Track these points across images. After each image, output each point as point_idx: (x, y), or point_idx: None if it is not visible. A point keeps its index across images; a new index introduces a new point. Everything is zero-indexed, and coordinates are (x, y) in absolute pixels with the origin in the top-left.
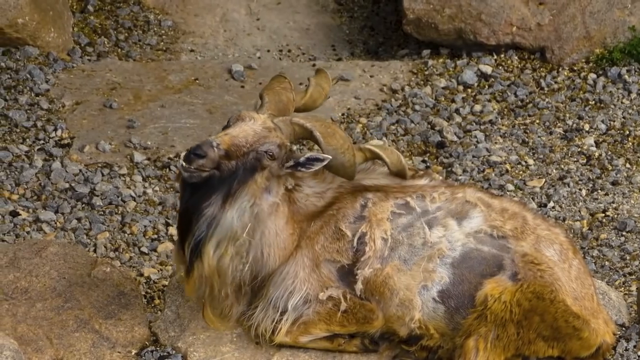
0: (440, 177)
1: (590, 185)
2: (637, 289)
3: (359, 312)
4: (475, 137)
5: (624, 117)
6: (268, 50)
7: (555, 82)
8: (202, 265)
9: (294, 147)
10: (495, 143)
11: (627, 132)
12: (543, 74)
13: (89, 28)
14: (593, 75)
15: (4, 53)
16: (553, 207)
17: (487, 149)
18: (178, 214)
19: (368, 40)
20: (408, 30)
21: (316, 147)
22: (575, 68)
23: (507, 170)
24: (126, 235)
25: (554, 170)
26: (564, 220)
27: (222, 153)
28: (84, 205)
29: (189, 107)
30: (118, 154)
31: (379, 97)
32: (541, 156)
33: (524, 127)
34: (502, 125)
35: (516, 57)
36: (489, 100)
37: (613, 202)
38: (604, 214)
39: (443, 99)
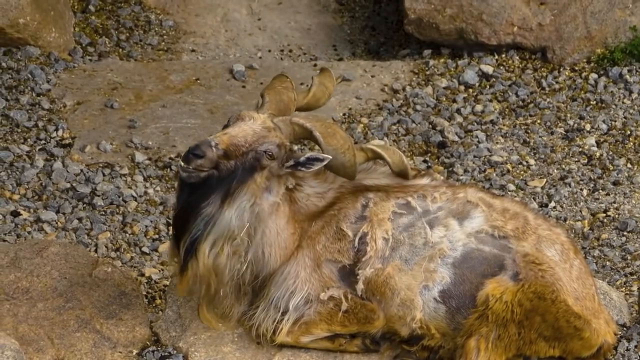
0: (442, 177)
1: (592, 185)
2: (638, 289)
3: (360, 312)
4: (477, 137)
5: (625, 117)
6: (269, 50)
7: (557, 82)
8: (197, 264)
9: (295, 147)
10: (497, 143)
11: (628, 132)
12: (544, 74)
13: (90, 28)
14: (594, 75)
15: (5, 53)
16: (554, 207)
17: (488, 149)
18: (174, 213)
19: (369, 40)
20: (409, 30)
21: (317, 147)
22: (577, 68)
23: (508, 170)
24: (127, 235)
25: (555, 170)
26: (565, 220)
27: (221, 153)
28: (85, 205)
29: (190, 107)
30: (119, 154)
31: (380, 97)
32: (542, 156)
33: (525, 127)
34: (503, 125)
35: (517, 57)
36: (490, 100)
37: (614, 202)
38: (605, 214)
39: (444, 99)
